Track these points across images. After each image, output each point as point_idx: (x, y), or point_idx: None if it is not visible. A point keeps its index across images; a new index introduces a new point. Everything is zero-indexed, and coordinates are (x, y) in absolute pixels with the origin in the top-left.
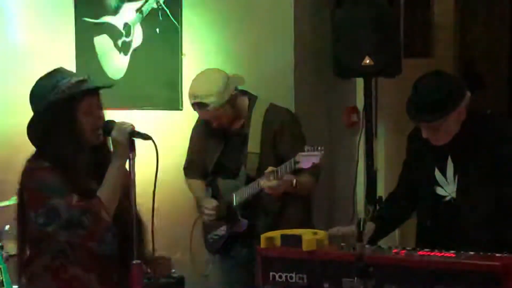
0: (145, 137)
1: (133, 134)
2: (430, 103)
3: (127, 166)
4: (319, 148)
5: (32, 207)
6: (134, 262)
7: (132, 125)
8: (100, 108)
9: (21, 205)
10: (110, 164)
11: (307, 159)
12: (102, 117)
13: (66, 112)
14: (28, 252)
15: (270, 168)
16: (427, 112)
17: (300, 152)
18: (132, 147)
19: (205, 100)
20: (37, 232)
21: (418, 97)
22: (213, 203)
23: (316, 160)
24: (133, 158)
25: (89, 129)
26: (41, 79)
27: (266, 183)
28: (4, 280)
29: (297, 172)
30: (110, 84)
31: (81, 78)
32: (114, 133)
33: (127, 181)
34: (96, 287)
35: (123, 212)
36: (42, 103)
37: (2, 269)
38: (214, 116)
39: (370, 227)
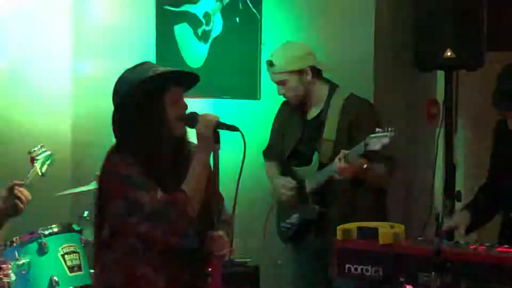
0: (232, 128)
1: (218, 126)
2: None
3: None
4: (389, 129)
5: (113, 198)
6: (216, 253)
7: (217, 116)
8: (183, 98)
9: (101, 194)
10: (195, 157)
11: (377, 140)
12: (187, 107)
13: (153, 101)
14: (102, 241)
15: (343, 151)
16: None
17: (371, 134)
18: (217, 139)
19: (273, 59)
20: (115, 222)
21: (503, 85)
22: (290, 182)
23: (386, 141)
24: (218, 150)
25: (174, 119)
26: (127, 70)
27: (337, 165)
28: (82, 264)
29: (369, 158)
30: (196, 76)
31: (168, 68)
32: (199, 125)
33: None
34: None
35: (207, 204)
36: (129, 93)
37: (80, 254)
38: (278, 80)
39: (466, 216)
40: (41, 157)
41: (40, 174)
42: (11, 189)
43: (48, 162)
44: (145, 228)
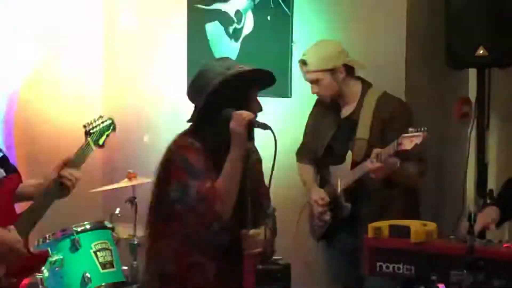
0: (265, 127)
1: (252, 124)
2: None
3: None
4: (422, 128)
5: (170, 181)
6: (246, 252)
7: (251, 114)
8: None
9: (160, 178)
10: (229, 155)
11: (410, 140)
12: (261, 107)
13: (237, 97)
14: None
15: (375, 150)
16: None
17: (403, 134)
18: (250, 137)
19: (306, 58)
20: (169, 209)
21: None
22: (324, 196)
23: (418, 140)
24: (251, 148)
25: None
26: (212, 62)
27: (369, 164)
28: (114, 261)
29: (402, 157)
30: (274, 77)
31: (251, 67)
32: (232, 122)
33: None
34: (213, 277)
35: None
36: (213, 85)
37: (112, 251)
38: (312, 79)
39: (495, 211)
40: (97, 129)
41: (93, 148)
42: (59, 169)
43: (108, 132)
44: (186, 218)
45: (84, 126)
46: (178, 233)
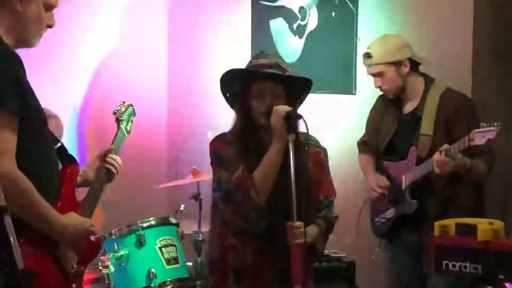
0: (299, 117)
1: (288, 117)
2: None
3: None
4: (495, 124)
5: (212, 172)
6: (295, 242)
7: (287, 108)
8: (272, 95)
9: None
10: (270, 147)
11: (482, 135)
12: (269, 103)
13: (240, 94)
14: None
15: (444, 146)
16: None
17: (475, 129)
18: (290, 130)
19: (370, 51)
20: (213, 198)
21: None
22: (384, 179)
23: (491, 136)
24: (292, 140)
25: (257, 112)
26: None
27: (437, 156)
28: (179, 257)
29: (471, 153)
30: (284, 74)
31: (263, 62)
32: (271, 118)
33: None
34: (250, 261)
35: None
36: (230, 81)
37: (177, 247)
38: (375, 72)
39: None
40: (125, 116)
41: (126, 134)
42: (103, 157)
43: (131, 118)
44: (221, 205)
45: (114, 113)
46: (220, 219)
